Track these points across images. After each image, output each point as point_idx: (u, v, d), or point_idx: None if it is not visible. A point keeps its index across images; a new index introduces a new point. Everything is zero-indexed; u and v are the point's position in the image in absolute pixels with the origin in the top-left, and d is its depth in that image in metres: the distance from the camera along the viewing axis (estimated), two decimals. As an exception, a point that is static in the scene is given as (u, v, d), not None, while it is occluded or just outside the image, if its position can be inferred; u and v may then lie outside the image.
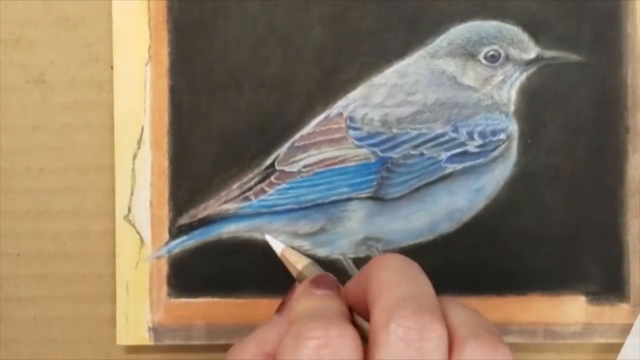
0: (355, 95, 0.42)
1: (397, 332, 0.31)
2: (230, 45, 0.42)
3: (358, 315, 0.36)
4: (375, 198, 0.42)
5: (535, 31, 0.42)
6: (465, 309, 0.34)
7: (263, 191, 0.42)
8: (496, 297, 0.42)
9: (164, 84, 0.42)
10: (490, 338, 0.32)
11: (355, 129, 0.42)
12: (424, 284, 0.34)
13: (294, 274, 0.40)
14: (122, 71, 0.42)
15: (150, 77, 0.42)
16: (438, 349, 0.31)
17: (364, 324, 0.35)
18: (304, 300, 0.36)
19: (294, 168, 0.42)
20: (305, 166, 0.42)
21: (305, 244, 0.42)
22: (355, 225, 0.42)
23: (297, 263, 0.40)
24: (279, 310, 0.38)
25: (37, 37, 0.43)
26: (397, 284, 0.33)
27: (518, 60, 0.42)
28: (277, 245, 0.42)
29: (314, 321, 0.32)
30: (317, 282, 0.37)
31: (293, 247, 0.42)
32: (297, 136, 0.42)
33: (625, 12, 0.42)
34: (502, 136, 0.42)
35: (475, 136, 0.42)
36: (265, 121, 0.42)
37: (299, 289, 0.37)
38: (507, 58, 0.42)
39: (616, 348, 0.42)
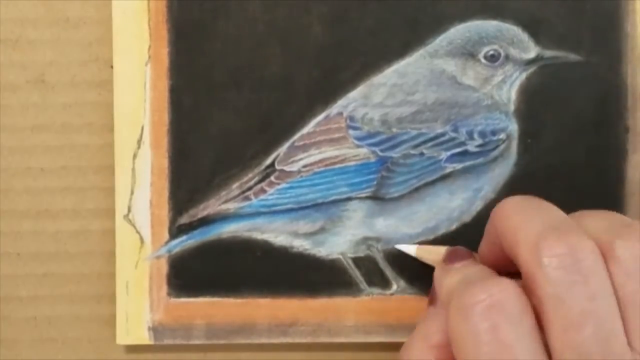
0: (355, 95, 0.42)
1: (551, 264, 0.31)
2: (230, 45, 0.42)
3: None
4: (375, 198, 0.42)
5: (535, 31, 0.42)
6: (598, 215, 0.34)
7: (263, 191, 0.42)
8: (496, 297, 0.42)
9: (164, 84, 0.42)
10: (630, 231, 0.33)
11: (355, 128, 0.42)
12: (552, 209, 0.34)
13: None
14: (122, 71, 0.42)
15: (150, 77, 0.42)
16: (596, 263, 0.32)
17: None
18: (448, 277, 0.36)
19: (294, 168, 0.42)
20: (305, 166, 0.42)
21: (305, 244, 0.42)
22: (355, 225, 0.42)
23: (436, 254, 0.39)
24: (431, 302, 0.38)
25: (37, 37, 0.43)
26: (528, 221, 0.33)
27: (518, 60, 0.42)
28: (410, 249, 0.41)
29: (470, 288, 0.32)
30: (451, 257, 0.37)
31: (293, 247, 0.42)
32: (297, 136, 0.42)
33: (625, 12, 0.42)
34: (502, 136, 0.42)
35: (475, 136, 0.42)
36: (265, 121, 0.42)
37: (436, 272, 0.37)
38: (507, 58, 0.42)
39: (616, 348, 0.42)
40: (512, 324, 0.31)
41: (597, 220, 0.34)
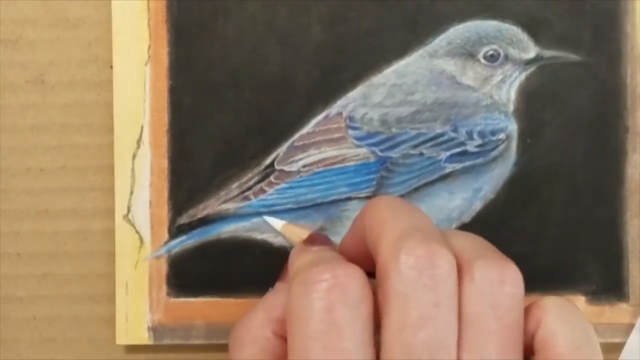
0: (354, 95, 0.42)
1: (408, 262, 0.31)
2: (230, 45, 0.42)
3: None
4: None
5: (535, 31, 0.42)
6: (467, 235, 0.35)
7: (262, 191, 0.42)
8: (496, 297, 0.42)
9: (164, 84, 0.42)
10: (496, 256, 0.33)
11: (354, 128, 0.42)
12: (422, 216, 0.34)
13: None
14: (122, 71, 0.42)
15: (150, 77, 0.42)
16: (449, 274, 0.32)
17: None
18: (302, 256, 0.36)
19: (294, 168, 0.42)
20: (304, 166, 0.42)
21: (304, 244, 0.42)
22: (354, 225, 0.42)
23: (298, 235, 0.40)
24: (281, 278, 0.38)
25: (37, 37, 0.43)
26: (397, 219, 0.33)
27: (517, 59, 0.42)
28: (277, 223, 0.42)
29: (319, 266, 0.33)
30: (311, 240, 0.37)
31: (293, 247, 0.42)
32: (296, 136, 0.42)
33: (625, 12, 0.42)
34: (502, 136, 0.42)
35: (475, 136, 0.42)
36: (265, 121, 0.42)
37: (294, 250, 0.37)
38: (507, 58, 0.42)
39: (616, 348, 0.42)
40: (349, 308, 0.32)
41: (464, 238, 0.34)
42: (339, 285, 0.32)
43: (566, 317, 0.34)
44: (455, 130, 0.42)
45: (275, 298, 0.36)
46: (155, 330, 0.42)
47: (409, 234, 0.32)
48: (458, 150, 0.42)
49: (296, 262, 0.36)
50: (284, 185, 0.42)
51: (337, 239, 0.42)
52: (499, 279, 0.33)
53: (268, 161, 0.42)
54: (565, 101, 0.42)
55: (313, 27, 0.42)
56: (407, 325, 0.31)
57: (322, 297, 0.32)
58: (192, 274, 0.42)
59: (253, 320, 0.36)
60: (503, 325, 0.32)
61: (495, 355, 0.32)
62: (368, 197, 0.42)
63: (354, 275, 0.32)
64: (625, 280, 0.42)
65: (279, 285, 0.37)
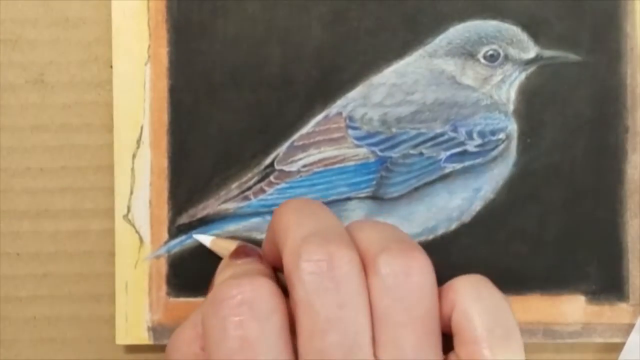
0: (354, 94, 0.42)
1: (307, 268, 0.32)
2: (229, 45, 0.42)
3: (280, 274, 0.36)
4: (374, 197, 0.42)
5: (535, 31, 0.42)
6: (374, 226, 0.35)
7: (262, 190, 0.42)
8: (496, 296, 0.42)
9: (164, 84, 0.42)
10: (401, 247, 0.33)
11: (354, 128, 0.42)
12: (326, 217, 0.34)
13: None
14: (122, 71, 0.42)
15: (150, 76, 0.42)
16: (351, 272, 0.32)
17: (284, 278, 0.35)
18: (224, 271, 0.37)
19: (293, 167, 0.42)
20: (304, 166, 0.42)
21: (304, 244, 0.42)
22: (354, 225, 0.42)
23: (227, 249, 0.40)
24: (208, 291, 0.38)
25: (37, 37, 0.43)
26: (298, 225, 0.33)
27: (517, 59, 0.42)
28: (206, 239, 0.42)
29: (227, 284, 0.33)
30: (236, 254, 0.38)
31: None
32: (296, 136, 0.42)
33: (625, 12, 0.42)
34: (502, 136, 0.42)
35: (475, 136, 0.42)
36: (265, 121, 0.42)
37: (220, 265, 0.38)
38: (506, 58, 0.42)
39: (616, 348, 0.42)
40: (259, 322, 0.32)
41: (371, 231, 0.34)
42: (246, 300, 0.32)
43: (479, 297, 0.34)
44: (455, 130, 0.42)
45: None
46: (155, 330, 0.42)
47: (308, 239, 0.32)
48: (458, 150, 0.42)
49: (219, 277, 0.37)
50: (283, 185, 0.42)
51: (337, 239, 0.42)
52: (404, 272, 0.32)
53: (268, 161, 0.42)
54: (565, 101, 0.42)
55: (313, 27, 0.42)
56: (316, 331, 0.31)
57: (230, 315, 0.32)
58: (192, 273, 0.42)
59: (181, 336, 0.35)
60: (414, 316, 0.32)
61: (410, 347, 0.32)
62: (368, 197, 0.42)
63: (262, 288, 0.32)
64: (625, 280, 0.42)
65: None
